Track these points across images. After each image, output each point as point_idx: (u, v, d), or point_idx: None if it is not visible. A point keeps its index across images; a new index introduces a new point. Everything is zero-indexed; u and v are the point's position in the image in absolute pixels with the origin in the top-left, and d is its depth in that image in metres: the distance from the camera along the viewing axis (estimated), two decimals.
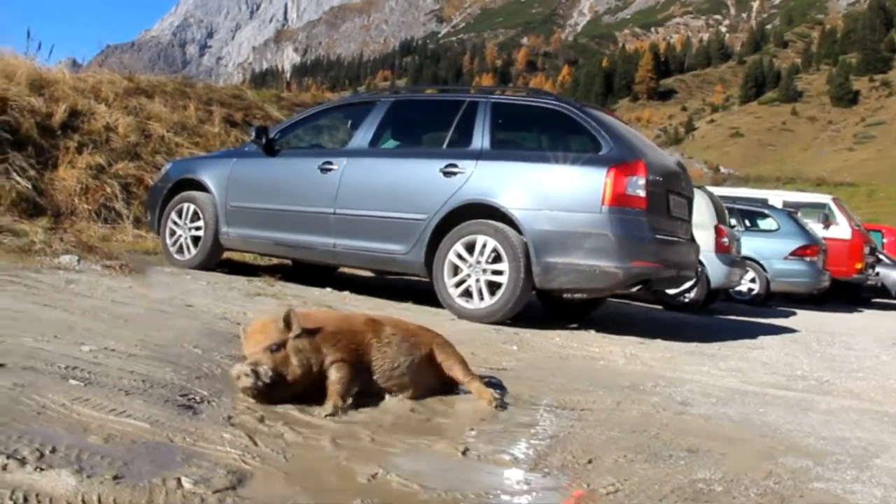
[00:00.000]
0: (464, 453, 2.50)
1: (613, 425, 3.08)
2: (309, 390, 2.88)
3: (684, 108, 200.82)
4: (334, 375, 2.91)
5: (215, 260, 7.49)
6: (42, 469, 1.89)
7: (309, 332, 2.89)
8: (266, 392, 2.75)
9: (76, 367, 2.87)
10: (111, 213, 10.19)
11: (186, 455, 2.17)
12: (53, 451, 2.05)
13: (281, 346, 2.81)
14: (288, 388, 2.82)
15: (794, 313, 11.88)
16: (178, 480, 1.95)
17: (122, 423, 2.35)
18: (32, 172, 9.87)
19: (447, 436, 2.70)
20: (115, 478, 1.93)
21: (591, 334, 6.09)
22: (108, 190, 10.39)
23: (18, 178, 9.51)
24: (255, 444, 2.34)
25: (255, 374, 2.72)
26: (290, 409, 2.79)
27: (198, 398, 2.75)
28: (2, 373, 2.67)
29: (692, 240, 7.00)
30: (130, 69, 15.72)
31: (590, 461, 2.56)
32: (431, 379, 3.26)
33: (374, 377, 3.07)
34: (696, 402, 3.74)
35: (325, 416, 2.75)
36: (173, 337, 3.74)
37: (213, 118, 14.30)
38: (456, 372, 3.28)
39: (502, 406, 3.17)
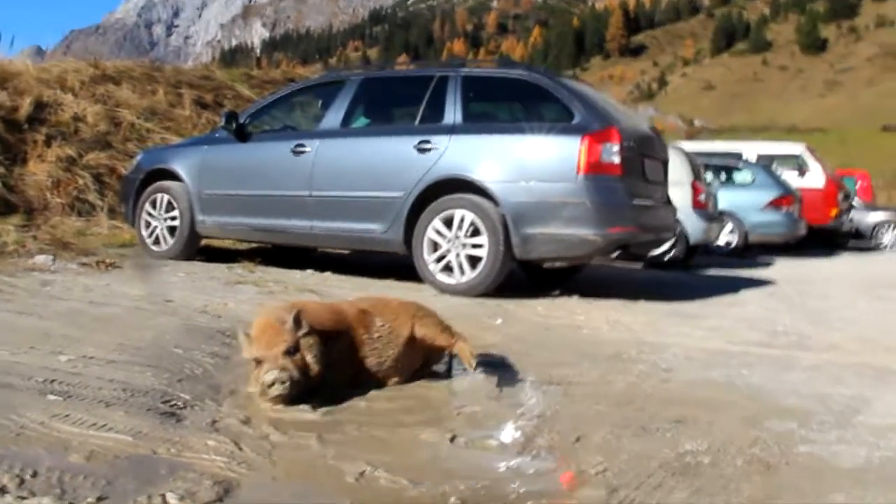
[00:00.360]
0: (452, 440, 2.50)
1: (600, 399, 3.09)
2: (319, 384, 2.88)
3: (656, 64, 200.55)
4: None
5: (193, 249, 7.41)
6: (24, 498, 1.87)
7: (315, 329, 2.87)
8: (292, 396, 2.74)
9: (54, 381, 2.84)
10: (85, 206, 10.03)
11: (171, 467, 2.15)
12: (35, 475, 2.02)
13: (296, 347, 2.78)
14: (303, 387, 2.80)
15: (773, 262, 11.96)
16: (163, 497, 1.93)
17: (103, 437, 2.33)
18: (1, 169, 9.70)
19: (434, 423, 2.69)
20: (100, 499, 1.91)
21: (574, 300, 6.09)
22: (81, 182, 10.22)
23: None
24: (241, 448, 2.32)
25: (291, 380, 2.70)
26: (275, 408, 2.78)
27: (180, 403, 2.72)
28: None
29: (668, 202, 7.00)
30: (96, 55, 15.47)
31: (578, 439, 2.57)
32: (417, 358, 3.26)
33: (365, 369, 3.06)
34: (680, 368, 3.76)
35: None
36: (153, 337, 3.70)
37: (184, 101, 14.08)
38: (440, 340, 3.29)
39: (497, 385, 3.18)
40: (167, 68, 16.28)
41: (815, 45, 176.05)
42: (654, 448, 2.49)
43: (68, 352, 3.32)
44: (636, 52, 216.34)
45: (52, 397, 2.65)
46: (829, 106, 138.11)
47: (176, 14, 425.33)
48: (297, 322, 2.80)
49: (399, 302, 3.45)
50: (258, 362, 2.77)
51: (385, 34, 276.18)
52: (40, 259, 6.49)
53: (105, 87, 12.77)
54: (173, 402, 2.72)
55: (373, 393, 3.01)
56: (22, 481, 1.98)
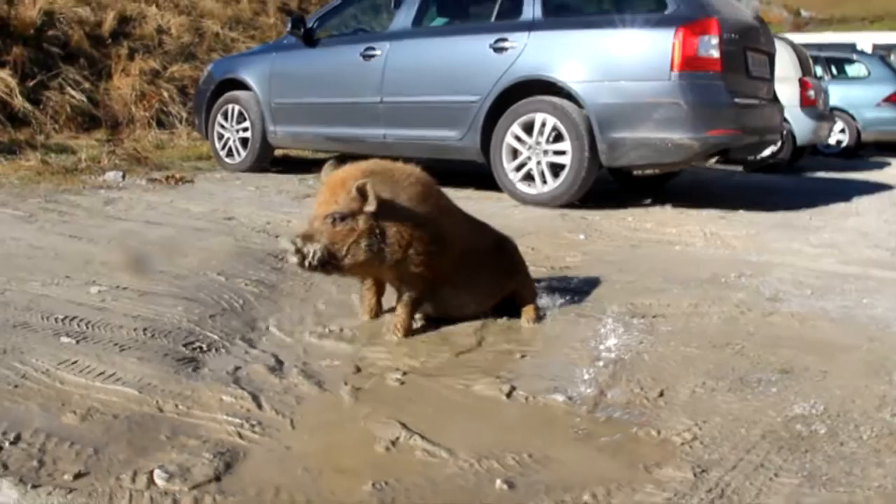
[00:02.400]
0: (508, 395, 2.12)
1: (690, 337, 2.64)
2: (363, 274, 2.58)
3: None
4: (407, 293, 2.57)
5: (266, 160, 7.16)
6: None
7: (392, 214, 2.44)
8: (318, 269, 2.38)
9: (75, 318, 2.57)
10: (168, 119, 9.95)
11: (173, 430, 1.84)
12: (16, 440, 1.75)
13: (347, 217, 2.38)
14: (340, 268, 2.42)
15: (889, 164, 11.00)
16: (150, 475, 1.61)
17: (107, 391, 2.04)
18: (87, 85, 9.62)
19: (490, 370, 2.30)
20: (78, 475, 1.61)
21: (668, 210, 5.57)
22: (165, 94, 10.13)
23: (73, 92, 9.28)
24: (259, 406, 1.99)
25: (301, 254, 2.34)
26: (315, 333, 2.47)
27: (204, 345, 2.41)
28: None
29: (775, 100, 6.29)
30: None
31: (661, 394, 2.15)
32: (494, 295, 2.86)
33: (442, 291, 2.66)
34: (787, 297, 3.25)
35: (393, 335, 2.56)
36: (198, 263, 3.41)
37: (268, 9, 13.84)
38: (526, 295, 2.88)
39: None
40: None
41: None
42: (755, 409, 2.04)
43: (102, 282, 3.06)
44: None
45: (65, 339, 2.37)
46: None
47: None
48: (362, 193, 2.36)
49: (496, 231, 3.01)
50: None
51: None
52: (110, 176, 6.34)
53: None
54: (196, 344, 2.41)
55: (423, 328, 2.65)
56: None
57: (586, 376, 2.28)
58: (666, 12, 5.22)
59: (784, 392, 2.16)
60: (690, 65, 5.01)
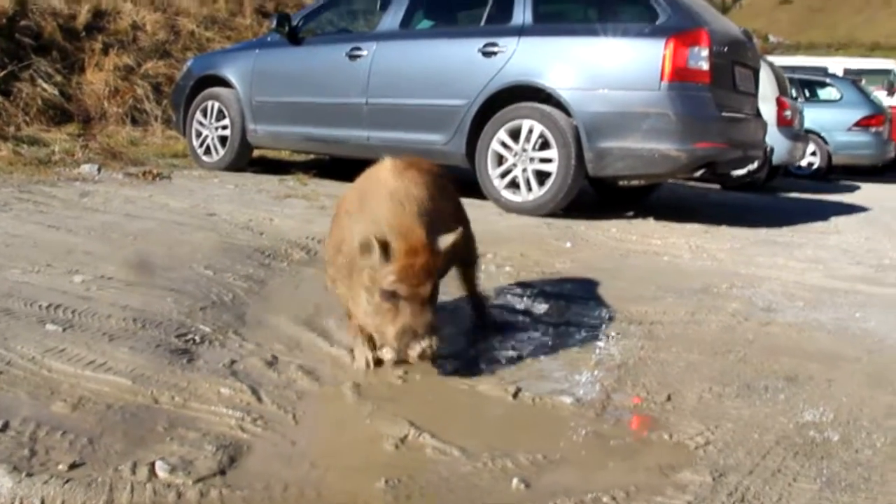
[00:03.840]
0: (515, 395, 2.07)
1: (691, 344, 2.61)
2: None
3: None
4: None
5: (245, 160, 7.05)
6: None
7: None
8: None
9: (59, 306, 2.47)
10: (142, 115, 9.80)
11: (171, 422, 1.76)
12: (4, 428, 1.66)
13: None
14: None
15: (859, 187, 11.14)
16: (152, 466, 1.54)
17: (98, 380, 1.95)
18: (59, 78, 9.45)
19: (495, 371, 2.25)
20: (73, 465, 1.53)
21: (651, 223, 5.56)
22: (139, 91, 9.98)
23: (45, 85, 9.10)
24: (260, 399, 1.92)
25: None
26: (310, 329, 2.40)
27: (197, 337, 2.33)
28: None
29: (759, 115, 6.33)
30: None
31: (668, 398, 2.11)
32: None
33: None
34: (781, 307, 3.24)
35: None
36: (184, 256, 3.33)
37: (244, 9, 13.74)
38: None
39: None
40: None
41: None
42: (766, 415, 2.01)
43: (85, 271, 2.97)
44: None
45: (51, 327, 2.28)
46: None
47: None
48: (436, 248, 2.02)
49: None
50: (392, 296, 1.97)
51: None
52: (85, 168, 6.21)
53: None
54: (189, 336, 2.33)
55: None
56: None
57: (591, 380, 2.23)
58: (657, 22, 5.21)
59: (792, 399, 2.13)
60: (680, 76, 5.01)
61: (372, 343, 2.23)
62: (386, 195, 2.04)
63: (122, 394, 1.89)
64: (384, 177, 2.12)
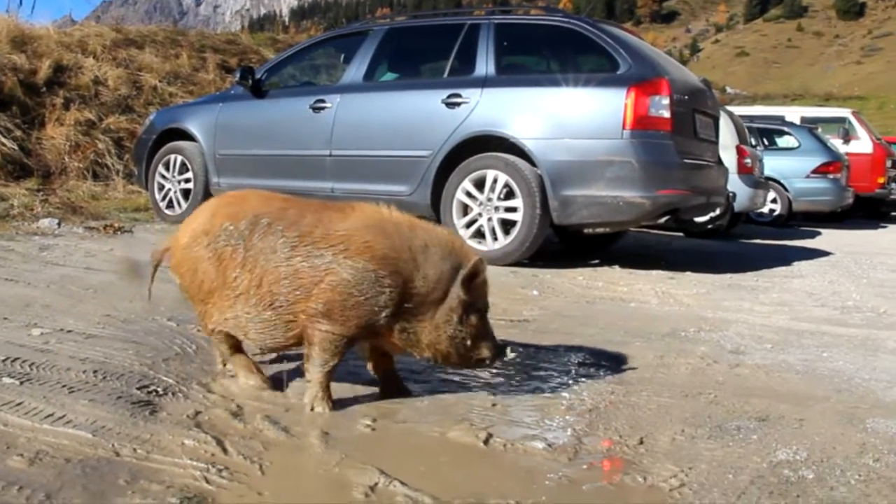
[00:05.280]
0: (486, 442, 2.03)
1: (661, 388, 2.59)
2: None
3: (688, 30, 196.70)
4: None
5: None
6: None
7: None
8: None
9: (17, 359, 2.41)
10: (103, 170, 9.72)
11: (133, 475, 1.70)
12: None
13: None
14: None
15: (819, 233, 11.32)
16: None
17: (57, 433, 1.89)
18: (18, 133, 9.38)
19: (463, 418, 2.21)
20: None
21: (616, 271, 5.59)
22: (100, 146, 9.93)
23: (3, 140, 9.02)
24: (225, 450, 1.87)
25: None
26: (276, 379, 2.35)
27: (160, 389, 2.27)
28: None
29: (720, 162, 6.43)
30: (124, 22, 15.17)
31: (641, 441, 2.08)
32: None
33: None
34: (749, 350, 3.24)
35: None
36: (145, 308, 3.26)
37: (208, 65, 13.78)
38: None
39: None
40: (191, 32, 15.97)
41: (852, 10, 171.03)
42: (740, 455, 1.99)
43: (44, 324, 2.90)
44: (668, 18, 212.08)
45: (7, 380, 2.21)
46: (867, 72, 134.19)
47: None
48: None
49: None
50: (478, 312, 2.23)
51: (413, 0, 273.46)
52: (45, 223, 6.12)
53: (127, 51, 12.51)
54: (151, 388, 2.27)
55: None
56: None
57: (563, 424, 2.20)
58: (618, 72, 5.30)
59: (765, 439, 2.11)
60: (642, 124, 5.08)
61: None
62: None
63: (82, 447, 1.82)
64: None
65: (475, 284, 2.18)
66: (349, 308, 2.09)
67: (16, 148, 9.06)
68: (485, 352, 2.24)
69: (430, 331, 2.16)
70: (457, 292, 2.14)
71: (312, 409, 2.18)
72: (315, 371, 2.17)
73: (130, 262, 4.57)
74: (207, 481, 1.69)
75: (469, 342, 2.19)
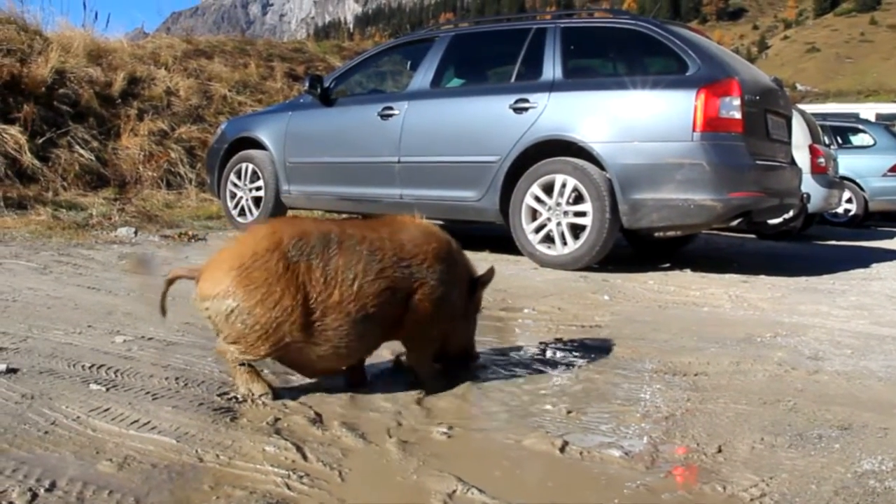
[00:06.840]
0: (562, 450, 2.02)
1: (738, 395, 2.55)
2: None
3: (756, 27, 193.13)
4: None
5: None
6: None
7: None
8: None
9: (102, 366, 2.49)
10: (176, 179, 9.99)
11: (216, 481, 1.74)
12: (51, 488, 1.65)
13: None
14: None
15: None
16: None
17: (143, 439, 1.94)
18: (95, 143, 9.69)
19: (538, 423, 2.21)
20: None
21: (688, 274, 5.52)
22: (173, 155, 10.21)
23: (81, 151, 9.32)
24: (305, 457, 1.90)
25: None
26: (349, 396, 2.37)
27: (240, 396, 2.32)
28: (13, 381, 2.30)
29: (793, 163, 6.30)
30: (193, 33, 15.54)
31: (719, 449, 2.05)
32: None
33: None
34: (828, 356, 3.17)
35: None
36: None
37: (275, 74, 14.05)
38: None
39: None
40: (259, 42, 16.32)
41: None
42: (822, 465, 1.95)
43: (127, 332, 2.99)
44: (735, 15, 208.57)
45: (94, 387, 2.29)
46: None
47: None
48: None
49: None
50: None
51: (477, 5, 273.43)
52: (122, 231, 6.31)
53: (197, 62, 12.83)
54: (232, 395, 2.32)
55: (463, 386, 2.55)
56: (34, 496, 1.61)
57: (639, 432, 2.18)
58: (687, 73, 5.24)
59: (848, 448, 2.06)
60: (712, 126, 5.01)
61: None
62: None
63: (167, 452, 1.88)
64: None
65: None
66: (441, 309, 2.40)
67: (93, 158, 9.36)
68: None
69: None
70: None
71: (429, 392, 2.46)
72: (421, 363, 2.54)
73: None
74: (289, 487, 1.72)
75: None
